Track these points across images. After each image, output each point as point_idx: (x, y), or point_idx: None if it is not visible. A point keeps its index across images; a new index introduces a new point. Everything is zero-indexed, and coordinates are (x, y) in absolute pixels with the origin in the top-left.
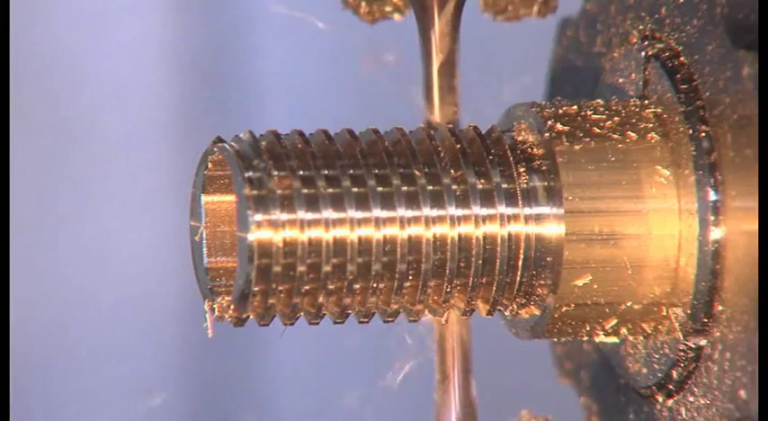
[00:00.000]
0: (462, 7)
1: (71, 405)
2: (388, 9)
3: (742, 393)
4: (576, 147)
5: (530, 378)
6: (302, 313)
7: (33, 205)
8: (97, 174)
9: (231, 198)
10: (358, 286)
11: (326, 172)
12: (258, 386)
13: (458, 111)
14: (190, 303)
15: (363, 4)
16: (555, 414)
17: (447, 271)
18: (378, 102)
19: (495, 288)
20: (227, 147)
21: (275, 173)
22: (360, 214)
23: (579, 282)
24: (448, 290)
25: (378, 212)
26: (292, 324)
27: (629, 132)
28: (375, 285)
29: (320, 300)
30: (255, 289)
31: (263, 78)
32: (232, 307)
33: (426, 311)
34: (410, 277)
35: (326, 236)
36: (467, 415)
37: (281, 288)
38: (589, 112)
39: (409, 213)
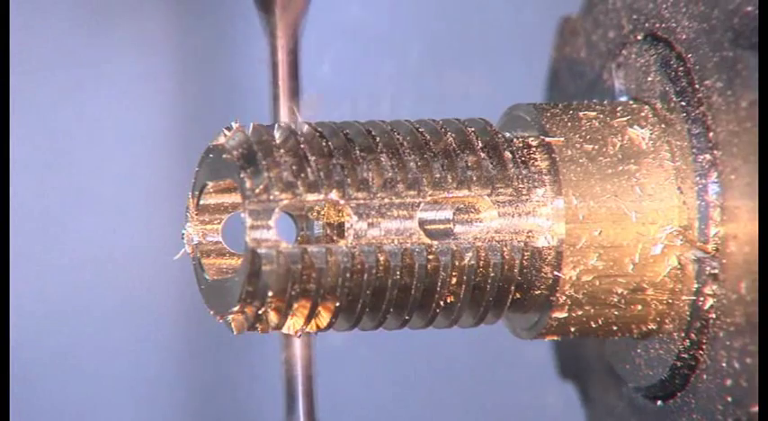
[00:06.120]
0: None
1: (71, 405)
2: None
3: (741, 394)
4: (576, 148)
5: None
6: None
7: (33, 205)
8: (97, 174)
9: (231, 207)
10: (370, 305)
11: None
12: (258, 386)
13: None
14: (190, 303)
15: None
16: (555, 414)
17: (441, 272)
18: (378, 105)
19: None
20: (227, 156)
21: (276, 180)
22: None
23: (579, 283)
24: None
25: (377, 218)
26: (304, 331)
27: (629, 132)
28: (390, 300)
29: (331, 308)
30: (257, 298)
31: (264, 79)
32: (237, 314)
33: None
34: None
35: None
36: None
37: (294, 293)
38: (589, 112)
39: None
